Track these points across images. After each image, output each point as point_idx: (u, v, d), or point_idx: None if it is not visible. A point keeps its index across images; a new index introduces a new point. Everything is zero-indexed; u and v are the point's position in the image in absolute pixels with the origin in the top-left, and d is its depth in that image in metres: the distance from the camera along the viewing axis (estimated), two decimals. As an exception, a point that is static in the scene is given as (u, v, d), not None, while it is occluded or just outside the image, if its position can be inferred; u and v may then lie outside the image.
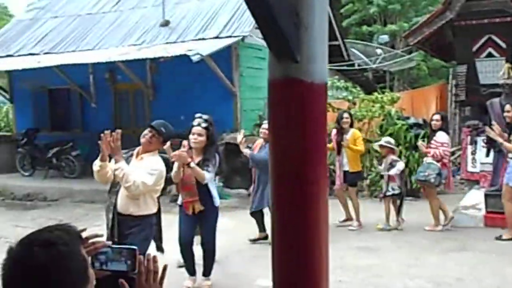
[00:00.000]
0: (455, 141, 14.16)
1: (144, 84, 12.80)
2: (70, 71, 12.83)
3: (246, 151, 7.06)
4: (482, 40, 10.32)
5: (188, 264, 5.78)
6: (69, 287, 1.36)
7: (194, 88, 11.92)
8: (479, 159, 9.96)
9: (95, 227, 8.83)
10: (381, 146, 8.35)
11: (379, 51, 18.03)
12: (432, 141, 8.01)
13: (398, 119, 10.78)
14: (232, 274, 6.26)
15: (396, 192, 8.03)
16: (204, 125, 5.52)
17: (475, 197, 9.01)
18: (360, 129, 11.24)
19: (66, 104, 14.79)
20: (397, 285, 5.74)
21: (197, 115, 6.15)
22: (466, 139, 10.26)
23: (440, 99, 12.01)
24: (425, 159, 8.22)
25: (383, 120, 10.97)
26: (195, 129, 5.52)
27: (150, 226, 4.71)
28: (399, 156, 10.38)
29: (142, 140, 4.72)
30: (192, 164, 5.33)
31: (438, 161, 7.87)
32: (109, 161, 4.67)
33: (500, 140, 7.61)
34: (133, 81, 12.46)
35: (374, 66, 17.54)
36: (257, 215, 7.45)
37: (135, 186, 4.38)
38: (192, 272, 5.79)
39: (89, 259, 1.58)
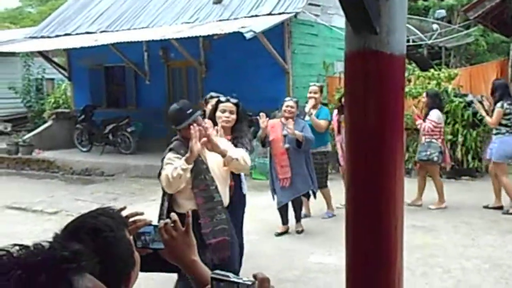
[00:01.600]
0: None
1: (197, 61, 12.91)
2: (125, 49, 13.08)
3: (298, 133, 6.41)
4: (548, 14, 9.85)
5: None
6: (116, 274, 1.34)
7: (246, 65, 11.94)
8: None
9: (151, 201, 9.08)
10: None
11: (435, 26, 17.43)
12: (426, 119, 7.94)
13: (455, 96, 10.47)
14: (284, 251, 6.30)
15: None
16: (234, 100, 4.83)
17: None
18: (415, 106, 11.00)
19: (122, 81, 15.15)
20: (453, 265, 5.64)
21: (213, 94, 5.61)
22: (527, 117, 9.86)
23: (500, 75, 11.55)
24: (423, 138, 8.04)
25: (438, 97, 10.67)
26: (225, 106, 4.75)
27: None
28: (456, 134, 10.15)
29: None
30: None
31: (436, 139, 7.82)
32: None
33: (484, 114, 7.88)
34: (186, 58, 12.57)
35: (429, 42, 17.01)
36: (298, 200, 6.94)
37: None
38: None
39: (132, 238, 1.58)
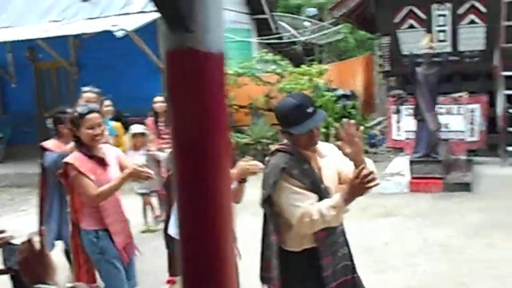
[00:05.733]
0: (382, 111, 14.60)
1: (67, 61, 12.36)
2: (-14, 50, 12.19)
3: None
4: (404, 12, 10.63)
5: None
6: None
7: (120, 64, 11.63)
8: (404, 127, 10.32)
9: (21, 212, 8.55)
10: (135, 135, 6.62)
11: (307, 23, 18.18)
12: None
13: (327, 91, 10.97)
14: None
15: None
16: None
17: (400, 164, 9.35)
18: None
19: (-16, 85, 14.09)
20: (326, 252, 5.87)
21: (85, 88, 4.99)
22: (391, 108, 10.59)
23: (366, 70, 12.31)
24: None
25: (311, 92, 11.12)
26: None
27: None
28: (327, 127, 10.63)
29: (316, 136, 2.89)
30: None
31: None
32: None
33: None
34: (55, 58, 12.02)
35: (303, 39, 17.69)
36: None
37: None
38: None
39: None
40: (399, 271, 5.45)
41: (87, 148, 3.70)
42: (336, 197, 2.64)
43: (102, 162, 3.73)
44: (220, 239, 1.10)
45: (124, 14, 11.54)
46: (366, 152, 11.81)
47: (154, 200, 7.22)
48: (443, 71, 8.59)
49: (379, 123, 13.96)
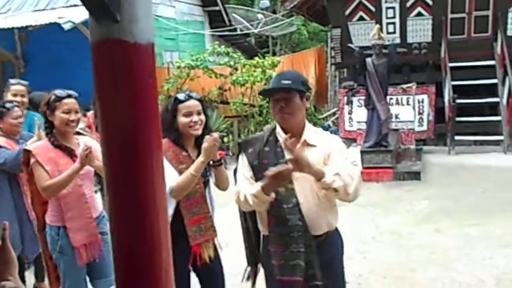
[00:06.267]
0: (336, 102, 14.82)
1: (13, 55, 11.99)
2: None
3: None
4: (354, 4, 10.78)
5: None
6: None
7: (70, 57, 11.31)
8: (355, 118, 10.50)
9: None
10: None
11: (260, 16, 18.17)
12: None
13: (279, 83, 11.00)
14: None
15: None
16: (197, 96, 3.31)
17: (353, 154, 9.50)
18: (243, 94, 11.37)
19: None
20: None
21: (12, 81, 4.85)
22: (343, 100, 10.75)
23: (318, 61, 12.43)
24: None
25: (265, 84, 11.14)
26: (193, 105, 3.21)
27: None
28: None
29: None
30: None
31: None
32: None
33: None
34: (0, 52, 11.61)
35: (256, 31, 17.68)
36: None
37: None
38: None
39: None
40: (351, 259, 5.53)
41: (57, 137, 3.50)
42: (257, 186, 2.63)
43: (70, 153, 3.50)
44: (153, 236, 1.08)
45: (71, 5, 11.24)
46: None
47: None
48: (392, 62, 8.78)
49: (333, 114, 14.15)
